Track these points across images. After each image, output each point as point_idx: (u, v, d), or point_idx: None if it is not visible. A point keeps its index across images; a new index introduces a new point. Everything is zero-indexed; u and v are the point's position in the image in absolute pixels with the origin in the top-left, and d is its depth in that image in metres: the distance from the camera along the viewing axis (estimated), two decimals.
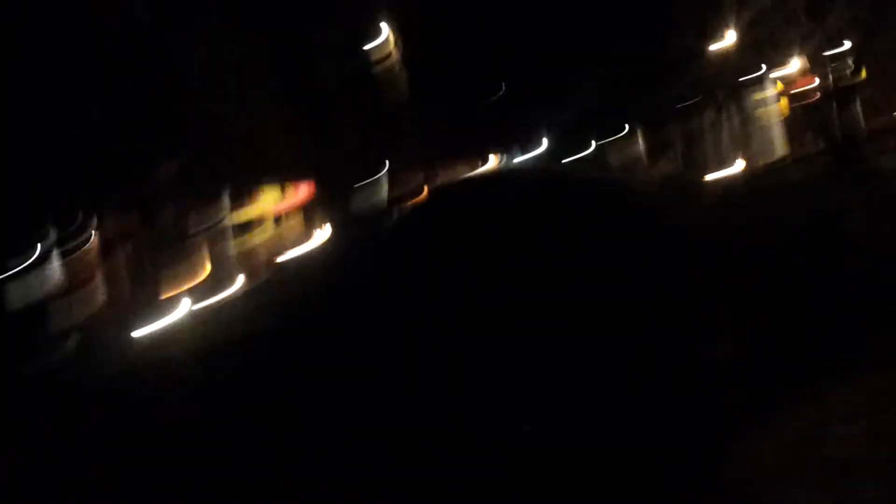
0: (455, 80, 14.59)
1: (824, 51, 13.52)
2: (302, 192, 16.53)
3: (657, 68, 15.49)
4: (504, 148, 16.77)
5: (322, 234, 16.10)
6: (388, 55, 16.33)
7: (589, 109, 14.28)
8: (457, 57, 14.32)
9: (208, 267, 15.87)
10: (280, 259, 16.70)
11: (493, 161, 16.79)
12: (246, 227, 15.88)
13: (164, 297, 13.05)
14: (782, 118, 17.82)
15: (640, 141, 17.22)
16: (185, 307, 13.54)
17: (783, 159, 16.32)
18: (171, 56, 12.40)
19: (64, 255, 12.35)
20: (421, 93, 16.28)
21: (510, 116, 14.40)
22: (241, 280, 15.85)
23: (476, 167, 12.21)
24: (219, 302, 15.51)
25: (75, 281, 12.32)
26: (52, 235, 12.74)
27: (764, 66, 16.88)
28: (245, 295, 15.20)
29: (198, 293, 15.88)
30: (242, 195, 15.51)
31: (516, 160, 19.05)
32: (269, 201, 16.24)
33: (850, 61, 13.53)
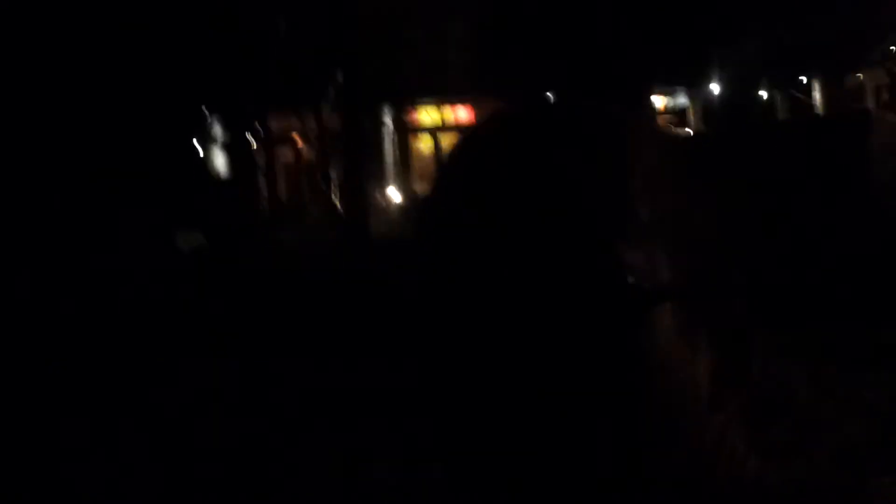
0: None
1: None
2: (468, 110, 16.68)
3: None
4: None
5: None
6: None
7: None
8: None
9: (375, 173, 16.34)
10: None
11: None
12: (406, 137, 16.27)
13: (332, 199, 13.62)
14: None
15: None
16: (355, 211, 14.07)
17: None
18: None
19: (234, 151, 13.11)
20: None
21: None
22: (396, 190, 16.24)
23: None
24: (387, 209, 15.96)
25: (245, 177, 13.06)
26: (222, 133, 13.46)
27: None
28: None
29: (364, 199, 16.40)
30: (407, 106, 15.85)
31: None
32: (431, 115, 16.50)
33: None
